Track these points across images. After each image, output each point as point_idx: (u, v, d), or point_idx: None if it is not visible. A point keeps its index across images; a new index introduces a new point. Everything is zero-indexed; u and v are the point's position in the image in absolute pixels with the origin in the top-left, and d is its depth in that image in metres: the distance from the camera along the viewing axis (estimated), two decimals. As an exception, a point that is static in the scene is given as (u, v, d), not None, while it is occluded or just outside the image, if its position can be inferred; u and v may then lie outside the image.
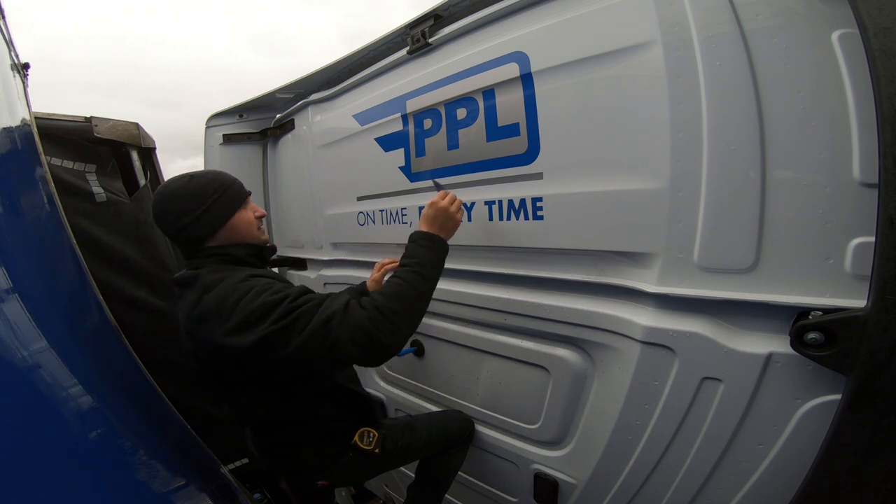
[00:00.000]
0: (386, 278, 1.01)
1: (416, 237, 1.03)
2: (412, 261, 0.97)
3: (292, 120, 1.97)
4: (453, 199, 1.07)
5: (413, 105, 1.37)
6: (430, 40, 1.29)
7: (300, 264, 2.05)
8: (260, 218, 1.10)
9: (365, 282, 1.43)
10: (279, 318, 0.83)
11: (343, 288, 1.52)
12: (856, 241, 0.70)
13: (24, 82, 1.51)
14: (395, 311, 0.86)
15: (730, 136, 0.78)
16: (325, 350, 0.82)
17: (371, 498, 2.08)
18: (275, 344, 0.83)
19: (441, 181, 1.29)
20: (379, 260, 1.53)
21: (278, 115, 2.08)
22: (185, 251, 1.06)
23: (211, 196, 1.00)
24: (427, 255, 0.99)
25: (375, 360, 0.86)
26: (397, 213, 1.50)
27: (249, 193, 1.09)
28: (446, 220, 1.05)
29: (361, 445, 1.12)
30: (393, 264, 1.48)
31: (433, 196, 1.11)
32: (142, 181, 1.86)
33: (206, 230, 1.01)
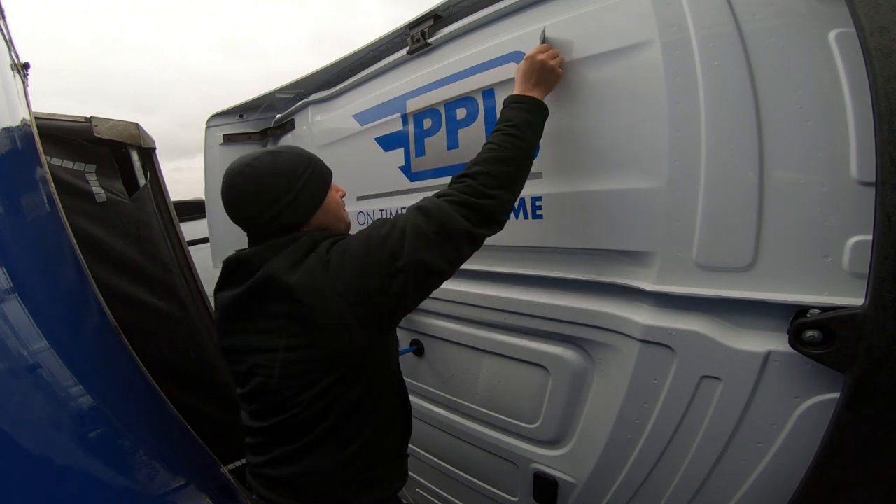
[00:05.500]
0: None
1: (508, 101, 0.95)
2: (504, 123, 0.91)
3: (292, 120, 1.97)
4: (554, 54, 0.96)
5: (413, 105, 1.38)
6: (430, 40, 1.29)
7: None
8: (342, 197, 1.01)
9: None
10: (413, 251, 0.80)
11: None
12: (853, 239, 0.70)
13: (24, 82, 1.51)
14: (492, 172, 0.85)
15: (728, 135, 0.78)
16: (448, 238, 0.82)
17: None
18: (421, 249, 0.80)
19: (442, 180, 1.28)
20: None
21: (278, 115, 2.08)
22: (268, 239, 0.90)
23: (303, 174, 0.89)
24: (522, 116, 0.91)
25: (489, 225, 0.86)
26: (397, 212, 1.50)
27: (332, 172, 0.99)
28: (544, 74, 0.94)
29: None
30: None
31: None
32: (142, 181, 1.86)
33: (304, 214, 0.90)
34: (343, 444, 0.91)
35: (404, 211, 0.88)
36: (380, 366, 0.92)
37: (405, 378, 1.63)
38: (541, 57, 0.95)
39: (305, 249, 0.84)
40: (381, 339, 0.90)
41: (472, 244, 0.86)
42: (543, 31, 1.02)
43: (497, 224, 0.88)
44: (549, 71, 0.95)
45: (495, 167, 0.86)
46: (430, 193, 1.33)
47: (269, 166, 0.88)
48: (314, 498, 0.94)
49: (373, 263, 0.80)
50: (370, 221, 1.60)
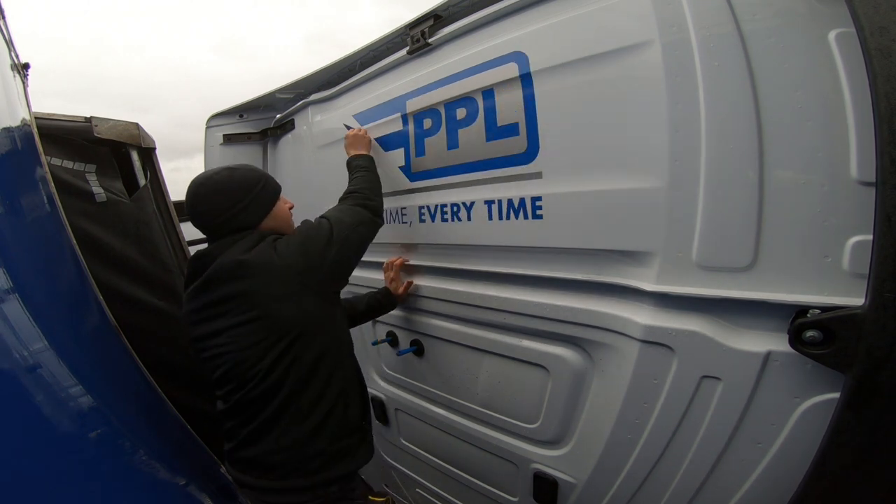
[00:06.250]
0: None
1: (349, 160, 1.41)
2: (357, 169, 1.36)
3: (292, 120, 1.97)
4: (355, 131, 1.47)
5: (413, 105, 1.38)
6: (430, 40, 1.29)
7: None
8: (290, 209, 1.21)
9: (386, 287, 1.49)
10: (339, 231, 1.11)
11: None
12: (853, 239, 0.70)
13: (24, 82, 1.51)
14: (366, 189, 1.29)
15: (728, 135, 0.78)
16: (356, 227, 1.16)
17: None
18: (346, 241, 1.11)
19: (441, 180, 1.34)
20: (383, 260, 1.54)
21: (278, 115, 2.08)
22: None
23: (256, 186, 1.09)
24: (362, 162, 1.38)
25: (379, 217, 1.27)
26: (397, 212, 1.50)
27: (280, 187, 1.20)
28: (357, 140, 1.45)
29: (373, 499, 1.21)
30: (399, 261, 1.49)
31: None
32: (142, 181, 1.86)
33: (255, 217, 1.09)
34: (304, 416, 1.03)
35: (324, 215, 1.17)
36: (329, 333, 1.08)
37: (405, 378, 1.64)
38: (350, 133, 1.47)
39: (255, 241, 1.05)
40: (324, 304, 1.08)
41: (373, 228, 1.23)
42: (346, 126, 1.57)
43: (380, 218, 1.28)
44: (358, 138, 1.45)
45: (367, 185, 1.30)
46: (429, 193, 1.37)
47: (227, 179, 1.08)
48: (283, 475, 1.04)
49: (314, 242, 1.07)
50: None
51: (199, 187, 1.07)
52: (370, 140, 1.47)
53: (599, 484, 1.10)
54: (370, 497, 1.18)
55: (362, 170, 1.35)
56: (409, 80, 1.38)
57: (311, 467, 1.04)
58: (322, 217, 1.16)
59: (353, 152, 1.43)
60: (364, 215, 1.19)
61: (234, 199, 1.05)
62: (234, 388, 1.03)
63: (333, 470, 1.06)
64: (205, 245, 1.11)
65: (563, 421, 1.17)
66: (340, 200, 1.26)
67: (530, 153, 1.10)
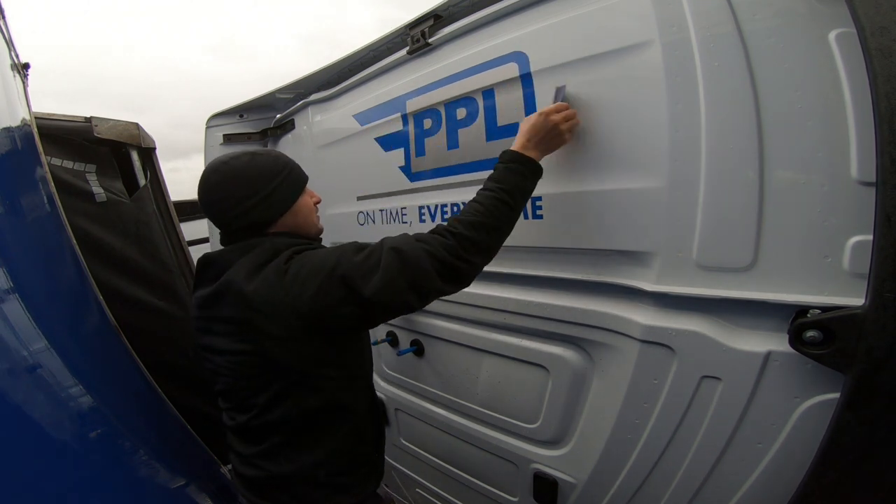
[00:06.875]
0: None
1: (506, 157, 0.92)
2: (497, 185, 0.88)
3: (292, 120, 1.97)
4: (570, 115, 0.93)
5: (413, 105, 1.38)
6: (430, 40, 1.29)
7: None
8: (317, 204, 1.04)
9: None
10: (382, 287, 0.80)
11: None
12: (854, 239, 0.70)
13: (24, 82, 1.51)
14: (471, 236, 0.83)
15: (728, 135, 0.78)
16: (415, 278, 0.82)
17: None
18: (392, 279, 0.80)
19: (441, 180, 1.28)
20: None
21: (278, 115, 2.08)
22: (235, 239, 0.94)
23: (278, 176, 0.93)
24: (516, 181, 0.89)
25: (459, 283, 0.86)
26: (397, 212, 1.50)
27: (307, 178, 1.02)
28: (551, 135, 0.92)
29: None
30: None
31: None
32: (142, 181, 1.86)
33: (271, 214, 0.93)
34: (306, 451, 0.93)
35: (381, 241, 0.87)
36: (337, 378, 0.92)
37: (405, 378, 1.64)
38: (555, 117, 0.92)
39: (266, 258, 0.86)
40: (331, 346, 0.89)
41: (437, 296, 0.87)
42: (563, 88, 0.96)
43: (464, 285, 0.88)
44: (557, 134, 0.92)
45: (479, 234, 0.85)
46: (430, 193, 1.36)
47: (244, 166, 0.91)
48: (285, 501, 0.96)
49: (334, 283, 0.81)
50: (370, 221, 1.60)
51: (212, 174, 0.91)
52: (566, 140, 0.94)
53: (599, 484, 1.10)
54: None
55: (500, 195, 0.87)
56: (409, 80, 1.38)
57: (314, 497, 0.96)
58: (377, 249, 0.84)
59: (521, 146, 0.91)
60: (431, 284, 0.82)
61: (252, 189, 0.90)
62: (234, 409, 0.96)
63: (336, 500, 0.97)
64: (207, 245, 1.06)
65: (563, 421, 1.17)
66: (436, 228, 0.87)
67: (530, 153, 1.10)
